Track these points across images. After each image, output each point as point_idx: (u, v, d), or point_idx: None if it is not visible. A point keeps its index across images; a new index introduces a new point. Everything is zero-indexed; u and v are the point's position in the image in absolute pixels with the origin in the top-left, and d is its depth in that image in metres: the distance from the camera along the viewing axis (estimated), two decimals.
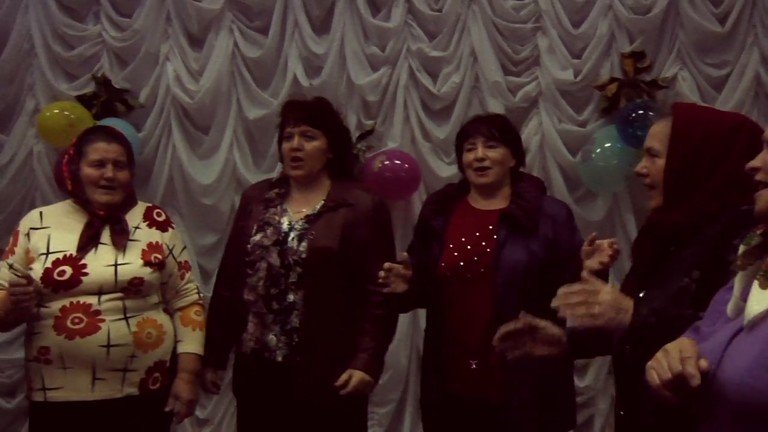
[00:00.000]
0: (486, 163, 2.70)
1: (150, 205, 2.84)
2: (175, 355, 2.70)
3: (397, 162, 3.98)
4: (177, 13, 4.14)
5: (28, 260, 2.59)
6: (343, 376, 2.63)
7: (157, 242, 2.69)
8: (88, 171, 2.62)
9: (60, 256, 2.56)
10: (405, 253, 2.59)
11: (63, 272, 2.52)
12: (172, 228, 2.80)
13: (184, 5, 4.12)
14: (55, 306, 2.52)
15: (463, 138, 2.81)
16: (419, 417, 4.10)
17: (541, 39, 4.05)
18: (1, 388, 4.19)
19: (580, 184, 4.05)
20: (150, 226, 2.72)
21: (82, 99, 4.10)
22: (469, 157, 2.74)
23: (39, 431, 2.60)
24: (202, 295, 2.86)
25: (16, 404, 4.18)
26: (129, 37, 4.13)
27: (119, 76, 4.15)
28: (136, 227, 2.69)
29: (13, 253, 2.63)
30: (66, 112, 4.00)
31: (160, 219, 2.77)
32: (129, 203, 2.73)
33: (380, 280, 2.50)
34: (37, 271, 2.54)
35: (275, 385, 2.66)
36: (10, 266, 2.59)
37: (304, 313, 2.63)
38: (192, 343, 2.74)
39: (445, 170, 4.11)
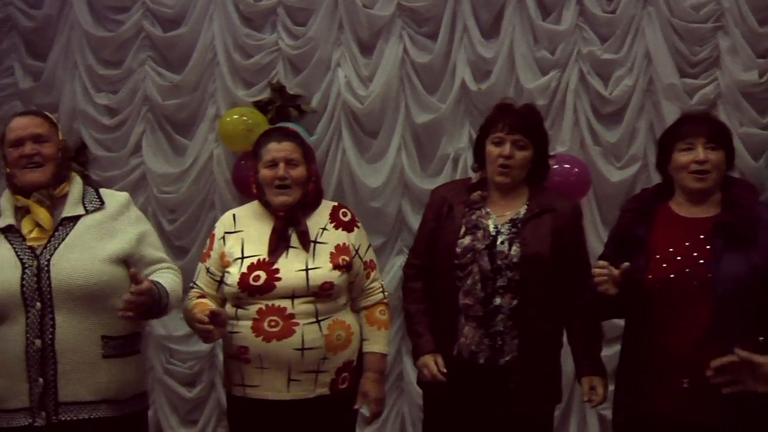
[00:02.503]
0: (706, 167, 2.50)
1: (336, 204, 2.82)
2: (360, 354, 2.73)
3: (566, 166, 3.93)
4: (349, 21, 4.25)
5: (224, 264, 2.66)
6: (585, 387, 2.71)
7: (344, 244, 2.70)
8: (263, 172, 2.68)
9: (254, 260, 2.61)
10: (627, 263, 2.43)
11: (258, 277, 2.59)
12: (358, 227, 2.78)
13: (356, 12, 4.23)
14: (253, 308, 2.59)
15: (676, 138, 2.58)
16: (584, 423, 4.07)
17: (722, 39, 3.89)
18: (183, 378, 4.43)
19: (762, 190, 3.84)
20: (336, 227, 2.73)
21: (258, 105, 4.29)
22: (684, 158, 2.53)
23: (238, 423, 2.71)
24: (387, 294, 2.85)
25: (196, 393, 4.43)
26: (303, 45, 4.28)
27: (293, 82, 4.31)
28: (324, 228, 2.70)
29: (209, 257, 2.70)
30: (244, 118, 4.20)
31: (346, 219, 2.77)
32: (313, 202, 2.74)
33: (595, 278, 2.41)
34: (233, 275, 2.61)
35: (474, 388, 2.66)
36: (207, 270, 2.69)
37: (510, 317, 2.62)
38: (378, 342, 2.75)
39: (616, 175, 4.02)
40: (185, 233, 4.40)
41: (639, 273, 2.49)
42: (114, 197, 2.57)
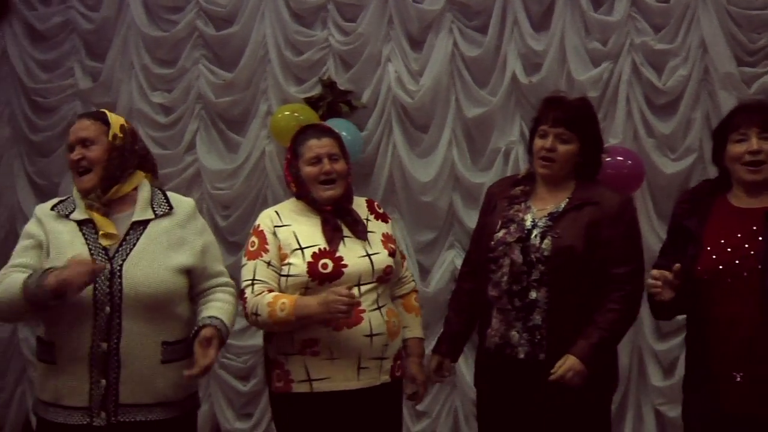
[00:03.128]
0: (760, 157, 2.45)
1: (367, 198, 2.93)
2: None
3: (619, 158, 3.87)
4: (398, 16, 4.26)
5: (282, 257, 2.66)
6: (559, 362, 2.56)
7: (387, 233, 2.80)
8: (307, 169, 2.71)
9: (315, 249, 2.64)
10: (678, 264, 2.41)
11: (326, 265, 2.62)
12: (391, 219, 2.93)
13: (406, 7, 4.23)
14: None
15: (730, 128, 2.54)
16: (640, 419, 4.02)
17: None
18: (238, 372, 4.49)
19: None
20: (376, 218, 2.82)
21: (309, 101, 4.32)
22: (737, 149, 2.48)
23: (303, 421, 2.64)
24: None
25: (250, 387, 4.49)
26: (353, 41, 4.30)
27: (343, 78, 4.34)
28: (367, 219, 2.78)
29: (266, 251, 2.67)
30: (295, 114, 4.23)
31: (380, 211, 2.87)
32: (351, 195, 2.80)
33: (651, 289, 2.41)
34: (298, 265, 2.62)
35: (516, 382, 2.66)
36: (268, 263, 2.66)
37: (547, 311, 2.61)
38: (417, 328, 2.86)
39: (670, 167, 3.96)
40: (238, 229, 4.45)
41: (690, 265, 2.45)
42: (182, 204, 2.61)
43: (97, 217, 2.47)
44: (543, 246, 2.63)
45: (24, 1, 4.73)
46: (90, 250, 2.43)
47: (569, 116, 2.69)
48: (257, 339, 4.37)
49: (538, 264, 2.62)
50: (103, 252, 2.43)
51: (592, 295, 2.62)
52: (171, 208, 2.55)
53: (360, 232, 2.71)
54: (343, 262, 2.63)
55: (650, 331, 4.00)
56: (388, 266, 2.70)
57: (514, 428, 2.70)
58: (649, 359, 4.01)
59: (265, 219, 2.75)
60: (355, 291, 2.59)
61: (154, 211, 2.52)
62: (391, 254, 2.73)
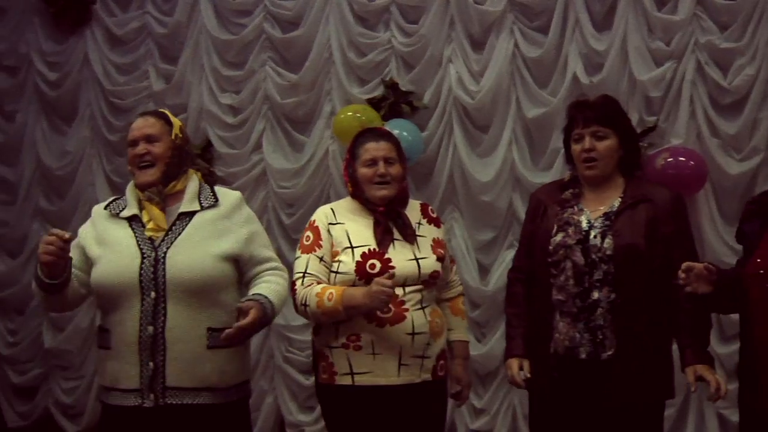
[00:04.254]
0: None
1: (421, 202, 2.97)
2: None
3: (682, 159, 3.83)
4: (460, 17, 4.31)
5: (333, 253, 2.74)
6: (690, 377, 2.56)
7: (438, 238, 2.84)
8: (362, 171, 2.78)
9: (365, 250, 2.71)
10: (706, 263, 2.44)
11: (374, 265, 2.69)
12: (443, 223, 2.97)
13: (467, 9, 4.28)
14: None
15: None
16: (702, 423, 3.96)
17: None
18: (301, 366, 4.60)
19: None
20: (429, 222, 2.86)
21: (371, 102, 4.41)
22: None
23: (347, 412, 2.72)
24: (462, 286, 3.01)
25: (313, 382, 4.57)
26: (415, 42, 4.37)
27: (405, 79, 4.41)
28: (419, 223, 2.83)
29: (319, 246, 2.74)
30: (358, 114, 4.33)
31: (434, 215, 2.91)
32: (405, 199, 2.85)
33: (680, 281, 2.42)
34: (347, 263, 2.71)
35: (577, 382, 2.66)
36: (320, 259, 2.74)
37: (609, 311, 2.62)
38: (462, 331, 2.91)
39: (735, 167, 3.90)
40: (302, 226, 4.40)
41: (741, 267, 2.46)
42: (228, 196, 2.71)
43: (154, 211, 2.59)
44: (605, 245, 2.63)
45: (104, 7, 4.96)
46: (138, 242, 2.56)
47: (599, 113, 2.71)
48: None
49: (600, 264, 2.63)
50: (149, 242, 2.55)
51: (655, 292, 2.62)
52: (217, 200, 2.66)
53: (409, 235, 2.76)
54: (391, 264, 2.69)
55: (713, 335, 3.92)
56: (435, 271, 2.74)
57: (570, 428, 2.70)
58: None
59: (321, 215, 2.83)
60: (399, 291, 2.65)
61: (200, 203, 2.64)
62: (440, 259, 2.78)
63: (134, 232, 2.60)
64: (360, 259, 2.69)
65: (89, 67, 4.98)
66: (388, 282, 2.57)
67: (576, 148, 2.75)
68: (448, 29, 4.33)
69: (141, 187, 2.64)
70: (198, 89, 4.76)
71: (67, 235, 2.44)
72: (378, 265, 2.68)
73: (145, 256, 2.54)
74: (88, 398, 4.99)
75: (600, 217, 2.69)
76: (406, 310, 2.68)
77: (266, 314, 2.55)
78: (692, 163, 3.83)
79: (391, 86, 4.39)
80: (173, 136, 2.67)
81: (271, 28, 4.63)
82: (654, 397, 2.71)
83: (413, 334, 2.67)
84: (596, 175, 2.73)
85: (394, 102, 4.38)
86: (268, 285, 2.63)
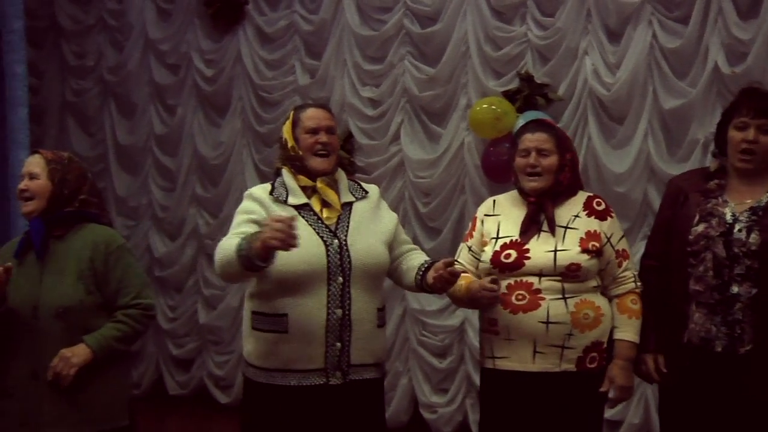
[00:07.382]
0: None
1: (591, 194, 2.91)
2: (611, 339, 2.79)
3: None
4: (597, 9, 4.31)
5: (482, 243, 2.84)
6: None
7: (595, 231, 2.78)
8: (517, 161, 2.84)
9: (507, 240, 2.78)
10: None
11: (509, 255, 2.77)
12: (611, 217, 2.84)
13: (604, 1, 4.28)
14: (503, 284, 2.77)
15: None
16: None
17: None
18: (435, 349, 4.77)
19: None
20: (589, 215, 2.82)
21: (507, 94, 4.49)
22: None
23: (489, 394, 2.87)
24: (639, 284, 2.83)
25: (446, 364, 4.76)
26: (551, 35, 4.41)
27: (540, 72, 4.46)
28: (576, 216, 2.81)
29: (471, 237, 2.89)
30: (493, 107, 4.42)
31: (599, 208, 2.83)
32: (566, 190, 2.85)
33: None
34: (487, 253, 2.82)
35: (711, 375, 2.65)
36: (470, 248, 2.90)
37: (750, 306, 2.59)
38: (628, 330, 2.77)
39: None
40: (438, 215, 4.73)
41: None
42: (372, 188, 2.89)
43: (332, 195, 2.75)
44: (750, 240, 2.60)
45: (256, 7, 5.29)
46: (315, 230, 2.70)
47: None
48: (454, 319, 4.67)
49: (744, 258, 2.61)
50: (327, 229, 2.72)
51: None
52: (366, 192, 2.85)
53: (551, 228, 2.79)
54: (527, 255, 2.75)
55: None
56: (573, 264, 2.71)
57: (703, 422, 2.68)
58: None
59: (482, 207, 2.97)
60: (535, 280, 2.72)
61: (353, 195, 2.82)
62: (586, 251, 2.74)
63: (307, 221, 2.72)
64: (498, 249, 2.79)
65: (241, 63, 5.31)
66: (490, 286, 2.68)
67: (736, 135, 2.67)
68: (585, 21, 4.35)
69: (319, 174, 2.75)
70: (340, 83, 4.99)
71: (295, 223, 2.46)
72: (514, 254, 2.76)
73: (327, 243, 2.69)
74: (238, 372, 5.29)
75: (746, 210, 2.66)
76: (542, 299, 2.71)
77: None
78: None
79: (527, 79, 4.45)
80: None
81: (410, 24, 4.79)
82: None
83: (547, 322, 2.70)
84: (749, 168, 2.68)
85: (529, 94, 4.43)
86: (423, 257, 2.84)
